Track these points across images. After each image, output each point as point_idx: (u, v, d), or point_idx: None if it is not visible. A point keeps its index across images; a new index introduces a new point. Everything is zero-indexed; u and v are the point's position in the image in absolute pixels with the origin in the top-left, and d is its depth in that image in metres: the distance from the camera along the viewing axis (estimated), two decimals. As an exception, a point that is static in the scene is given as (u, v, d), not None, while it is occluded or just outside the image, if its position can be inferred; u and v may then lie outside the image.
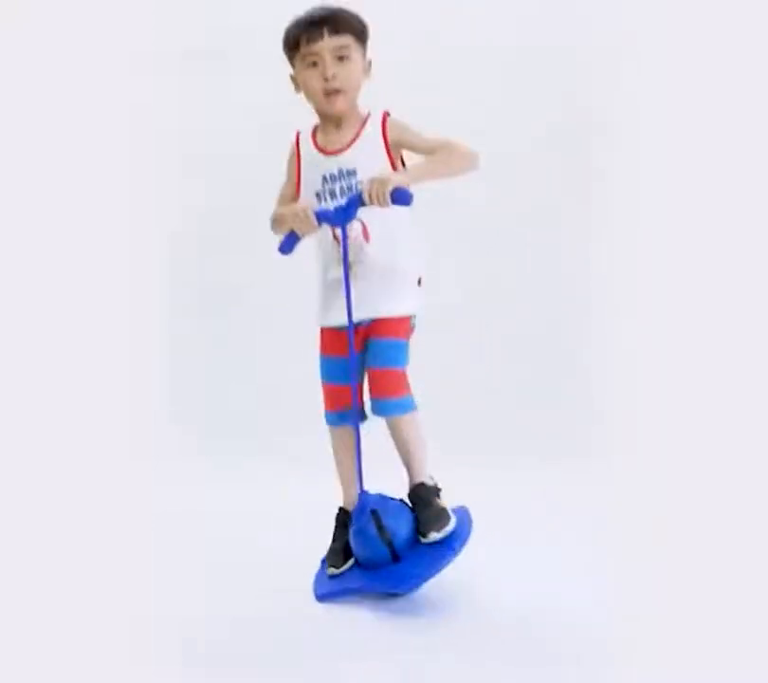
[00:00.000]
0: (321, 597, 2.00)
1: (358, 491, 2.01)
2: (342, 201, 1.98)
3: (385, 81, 2.08)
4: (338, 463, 2.12)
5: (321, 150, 2.04)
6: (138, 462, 2.68)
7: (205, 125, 3.16)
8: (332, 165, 2.02)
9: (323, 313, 2.07)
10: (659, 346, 2.81)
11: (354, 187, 2.00)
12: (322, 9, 2.00)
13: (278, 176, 2.11)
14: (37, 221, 2.70)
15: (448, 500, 2.04)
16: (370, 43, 2.05)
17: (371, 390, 2.03)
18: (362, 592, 1.97)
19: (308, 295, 2.11)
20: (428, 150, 2.00)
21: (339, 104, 2.00)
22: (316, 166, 2.04)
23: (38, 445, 2.48)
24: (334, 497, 2.15)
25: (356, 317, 1.99)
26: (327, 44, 1.96)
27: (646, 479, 2.52)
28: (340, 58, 1.98)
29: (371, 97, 2.07)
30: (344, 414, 2.06)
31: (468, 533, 2.01)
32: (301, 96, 2.05)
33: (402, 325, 2.03)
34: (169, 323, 3.04)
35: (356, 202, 1.91)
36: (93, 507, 2.36)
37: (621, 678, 1.66)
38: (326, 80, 1.97)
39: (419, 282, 2.07)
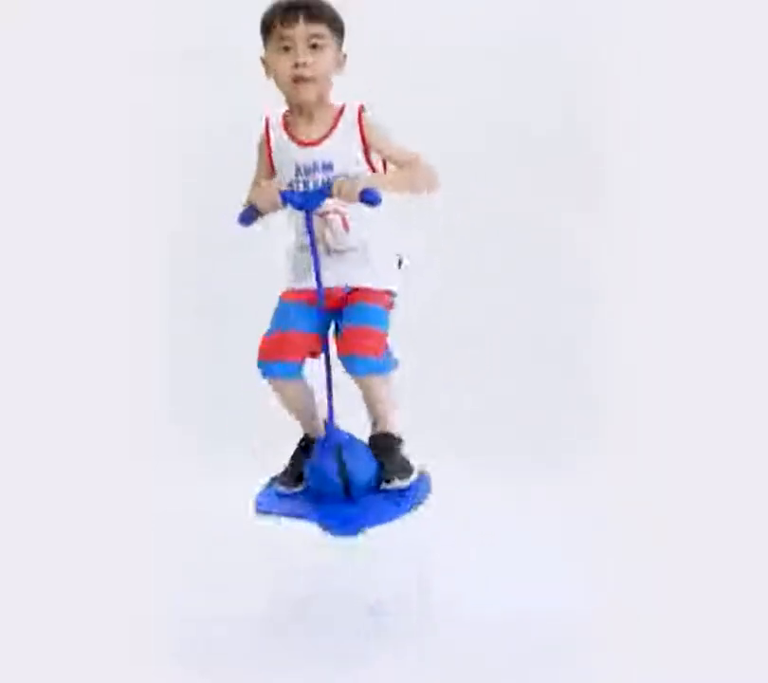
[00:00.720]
0: (262, 510, 2.00)
1: (328, 424, 1.99)
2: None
3: (384, 80, 2.07)
4: (293, 411, 2.08)
5: (295, 139, 2.01)
6: (138, 462, 2.67)
7: (205, 125, 3.16)
8: (306, 157, 2.00)
9: (294, 277, 2.05)
10: (660, 345, 2.80)
11: (331, 181, 1.95)
12: None
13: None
14: (37, 221, 2.70)
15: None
16: (347, 39, 2.00)
17: (346, 347, 1.96)
18: (303, 519, 1.95)
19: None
20: (396, 162, 2.01)
21: (308, 93, 1.97)
22: (289, 155, 2.01)
23: (38, 445, 2.48)
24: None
25: (334, 282, 1.99)
26: (302, 29, 1.94)
27: (646, 479, 2.51)
28: (314, 46, 1.95)
29: (369, 98, 2.06)
30: (298, 365, 1.99)
31: (425, 495, 2.03)
32: (271, 81, 2.00)
33: (382, 296, 2.03)
34: (169, 323, 3.04)
35: (325, 193, 1.93)
36: (93, 507, 2.36)
37: (619, 678, 1.66)
38: (297, 66, 1.94)
39: (400, 264, 2.08)
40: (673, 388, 2.70)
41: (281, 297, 2.06)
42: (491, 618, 1.89)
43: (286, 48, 1.95)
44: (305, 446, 2.10)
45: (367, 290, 2.02)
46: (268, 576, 2.09)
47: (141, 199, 2.93)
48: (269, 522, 1.99)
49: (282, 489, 2.04)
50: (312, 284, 1.98)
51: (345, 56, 2.02)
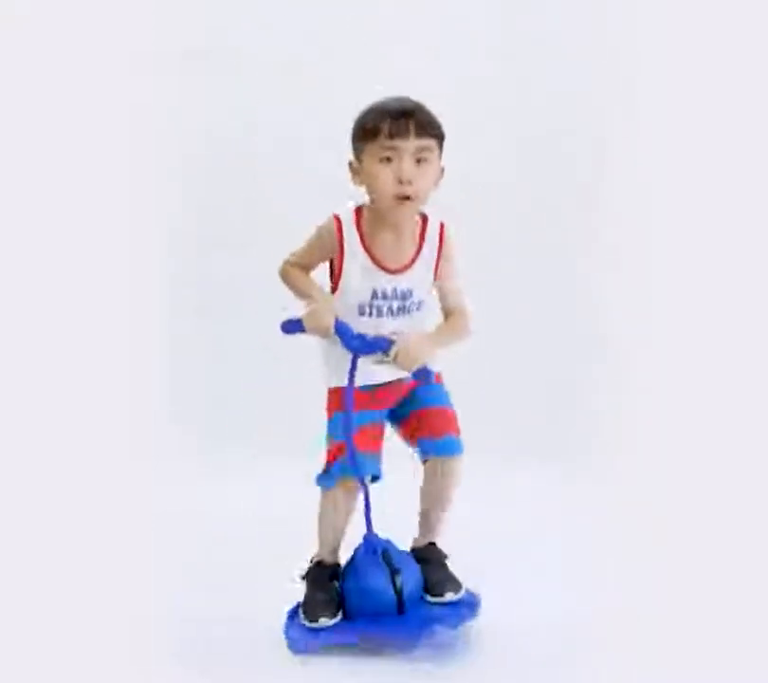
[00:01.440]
0: (301, 650, 1.81)
1: (365, 534, 1.88)
2: (385, 318, 1.84)
3: (384, 80, 2.06)
4: (325, 522, 1.92)
5: (379, 264, 1.83)
6: (138, 462, 2.67)
7: (205, 125, 3.16)
8: (388, 283, 1.83)
9: (341, 376, 1.86)
10: (660, 345, 2.80)
11: (406, 308, 1.85)
12: (410, 101, 1.79)
13: (278, 175, 2.08)
14: (37, 221, 2.70)
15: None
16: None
17: (433, 429, 1.89)
18: (356, 642, 1.81)
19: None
20: (444, 299, 1.91)
21: (408, 212, 1.81)
22: (368, 278, 1.83)
23: (38, 445, 2.48)
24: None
25: (399, 375, 1.87)
26: (412, 143, 1.75)
27: (646, 480, 2.51)
28: (419, 161, 1.76)
29: (368, 99, 2.05)
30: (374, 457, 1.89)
31: (474, 614, 1.87)
32: (360, 189, 1.82)
33: (439, 377, 1.95)
34: (169, 323, 3.04)
35: (382, 350, 1.78)
36: (93, 507, 2.36)
37: (619, 679, 1.66)
38: (401, 183, 1.75)
39: None
40: (673, 388, 2.70)
41: (329, 407, 1.90)
42: (491, 617, 1.88)
43: (388, 159, 1.75)
44: (324, 575, 1.93)
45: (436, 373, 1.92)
46: (269, 576, 2.09)
47: (141, 199, 2.93)
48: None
49: (324, 621, 1.82)
50: (375, 378, 1.86)
51: (443, 170, 1.83)
